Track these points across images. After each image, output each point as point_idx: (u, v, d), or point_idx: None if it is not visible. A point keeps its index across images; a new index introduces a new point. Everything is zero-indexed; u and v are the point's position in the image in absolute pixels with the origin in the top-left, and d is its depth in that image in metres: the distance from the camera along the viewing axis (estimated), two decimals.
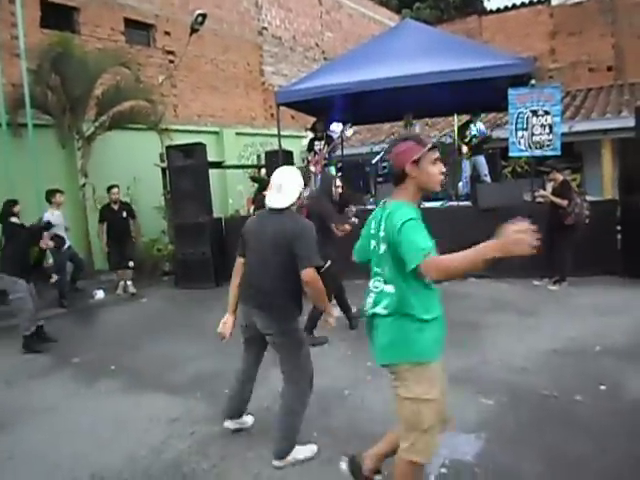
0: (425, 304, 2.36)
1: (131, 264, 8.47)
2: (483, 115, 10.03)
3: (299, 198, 3.30)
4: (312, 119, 10.61)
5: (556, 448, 3.21)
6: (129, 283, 8.45)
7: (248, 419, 3.73)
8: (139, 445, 3.57)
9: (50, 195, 7.69)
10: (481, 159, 9.35)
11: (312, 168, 9.71)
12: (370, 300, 2.49)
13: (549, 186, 7.47)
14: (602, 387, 3.98)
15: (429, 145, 2.39)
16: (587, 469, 3.00)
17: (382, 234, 2.35)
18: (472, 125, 9.50)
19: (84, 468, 3.34)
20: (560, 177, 7.15)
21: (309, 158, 9.74)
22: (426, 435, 2.44)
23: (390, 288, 2.37)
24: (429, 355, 2.43)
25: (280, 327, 3.25)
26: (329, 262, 5.02)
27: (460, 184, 9.62)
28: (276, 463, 3.23)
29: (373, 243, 2.47)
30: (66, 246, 7.69)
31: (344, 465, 3.00)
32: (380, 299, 2.42)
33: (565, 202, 6.88)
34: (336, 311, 4.69)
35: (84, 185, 9.37)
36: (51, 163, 9.07)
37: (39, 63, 8.58)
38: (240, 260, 3.40)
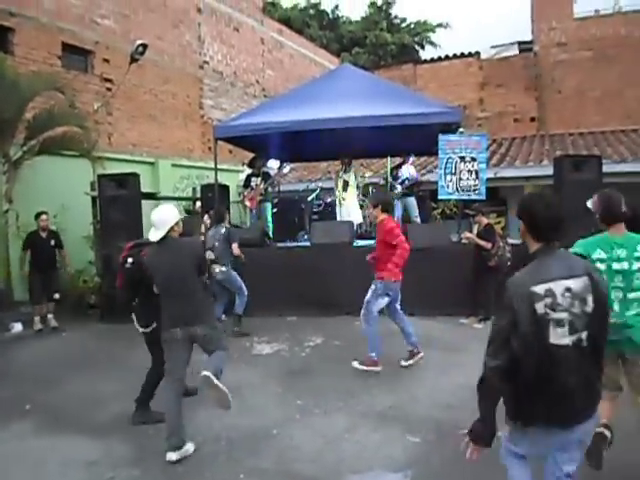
0: None
1: (57, 296, 8.06)
2: (414, 158, 10.43)
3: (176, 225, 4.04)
4: (250, 154, 10.68)
5: None
6: (50, 316, 8.01)
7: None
8: None
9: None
10: (412, 200, 9.68)
11: (247, 203, 9.75)
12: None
13: (475, 228, 7.82)
14: None
15: None
16: None
17: None
18: (404, 167, 9.82)
19: None
20: (484, 220, 7.51)
21: (245, 193, 9.76)
22: None
23: None
24: None
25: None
26: None
27: None
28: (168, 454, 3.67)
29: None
30: None
31: None
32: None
33: (489, 245, 7.22)
34: None
35: (7, 211, 8.90)
36: None
37: None
38: None
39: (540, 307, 2.16)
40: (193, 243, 4.42)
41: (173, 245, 3.99)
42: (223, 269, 7.07)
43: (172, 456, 3.66)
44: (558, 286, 2.18)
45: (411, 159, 9.98)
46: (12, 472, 3.65)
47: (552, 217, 2.34)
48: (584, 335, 2.17)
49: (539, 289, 2.18)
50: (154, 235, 3.95)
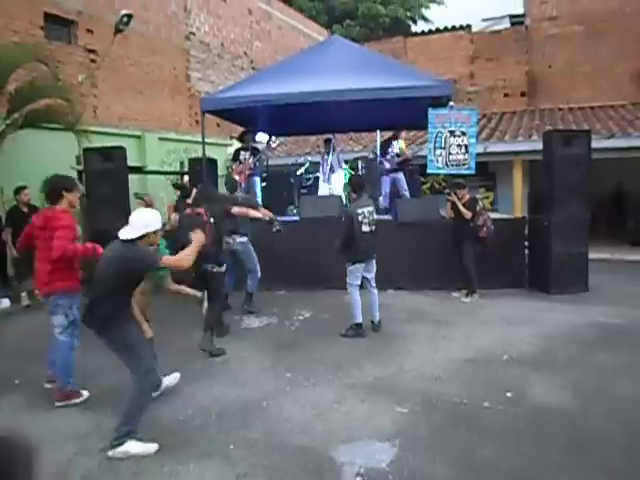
0: None
1: None
2: (404, 134, 10.37)
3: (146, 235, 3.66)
4: (238, 128, 10.56)
5: (466, 452, 3.36)
6: (37, 291, 7.95)
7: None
8: (45, 464, 3.36)
9: None
10: (400, 175, 9.68)
11: (236, 177, 9.66)
12: None
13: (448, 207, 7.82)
14: (508, 394, 4.21)
15: None
16: (495, 471, 3.17)
17: None
18: (395, 142, 9.80)
19: None
20: (467, 195, 7.50)
21: (234, 167, 9.67)
22: None
23: None
24: None
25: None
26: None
27: (380, 198, 9.91)
28: (109, 453, 3.47)
29: None
30: None
31: None
32: None
33: (469, 214, 7.25)
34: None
35: None
36: None
37: None
38: None
39: (359, 217, 5.73)
40: (142, 256, 3.65)
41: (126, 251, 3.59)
42: (243, 239, 6.80)
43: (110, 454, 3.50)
44: (364, 210, 5.79)
45: (402, 134, 9.93)
46: None
47: (359, 183, 6.17)
48: (372, 228, 5.81)
49: (359, 210, 5.76)
50: (126, 233, 3.61)
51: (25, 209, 7.94)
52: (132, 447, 3.46)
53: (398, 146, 9.76)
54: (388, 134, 10.33)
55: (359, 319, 5.85)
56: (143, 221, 3.66)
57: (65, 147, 9.52)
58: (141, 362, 3.70)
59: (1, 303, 7.80)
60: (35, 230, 4.43)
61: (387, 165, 9.66)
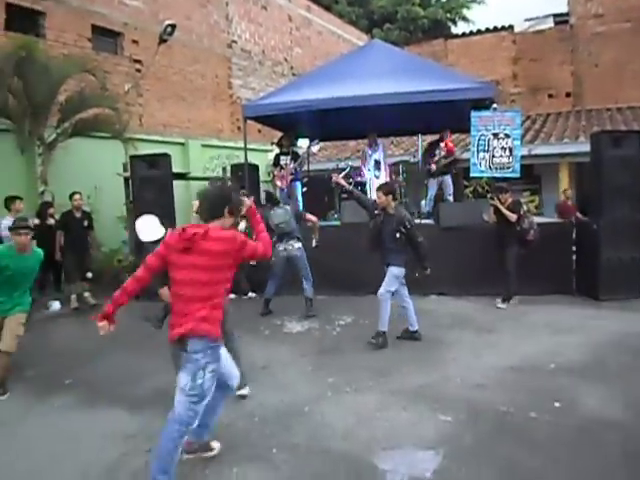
0: None
1: (89, 275, 8.24)
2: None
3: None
4: (279, 133, 10.65)
5: (512, 463, 3.28)
6: (87, 294, 8.20)
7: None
8: (94, 462, 3.47)
9: (9, 202, 7.47)
10: (448, 179, 9.47)
11: (278, 183, 9.74)
12: None
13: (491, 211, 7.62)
14: (556, 404, 4.08)
15: None
16: None
17: None
18: (442, 144, 9.49)
19: None
20: (509, 199, 7.33)
21: (275, 172, 9.76)
22: None
23: None
24: None
25: None
26: None
27: (423, 202, 9.80)
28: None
29: None
30: None
31: None
32: None
33: (514, 217, 7.07)
34: None
35: (43, 192, 9.11)
36: (9, 169, 8.83)
37: (1, 66, 8.35)
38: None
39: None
40: None
41: None
42: (300, 245, 6.98)
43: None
44: None
45: (448, 136, 9.62)
46: (55, 442, 3.78)
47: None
48: None
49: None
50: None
51: (78, 214, 8.22)
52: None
53: (445, 149, 9.41)
54: (430, 138, 10.20)
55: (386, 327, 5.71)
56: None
57: (112, 155, 9.83)
58: None
59: (52, 306, 8.08)
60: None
61: (433, 167, 9.45)
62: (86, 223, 8.30)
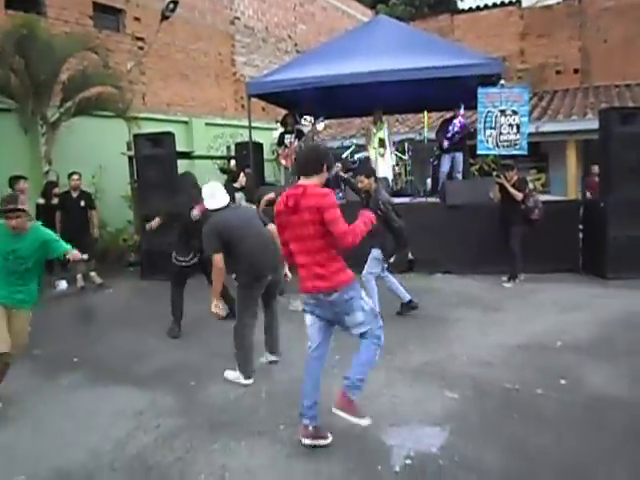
0: None
1: (85, 257, 8.14)
2: (452, 113, 10.01)
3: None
4: (283, 111, 10.56)
5: (518, 440, 3.29)
6: (93, 274, 8.22)
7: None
8: (103, 439, 3.51)
9: (13, 182, 7.44)
10: (460, 156, 9.23)
11: (282, 162, 9.68)
12: None
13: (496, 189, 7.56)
14: (562, 381, 4.09)
15: None
16: (547, 459, 3.09)
17: None
18: (454, 120, 9.15)
19: (47, 463, 3.27)
20: (515, 177, 7.26)
21: (279, 151, 9.69)
22: None
23: None
24: None
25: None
26: None
27: (429, 180, 9.73)
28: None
29: None
30: None
31: None
32: None
33: (520, 195, 7.02)
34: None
35: (47, 172, 9.09)
36: (13, 149, 8.80)
37: (2, 45, 8.27)
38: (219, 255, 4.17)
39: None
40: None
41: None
42: None
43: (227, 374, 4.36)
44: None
45: (462, 111, 9.18)
46: (64, 420, 3.83)
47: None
48: None
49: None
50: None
51: (75, 194, 8.17)
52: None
53: (458, 124, 9.14)
54: (436, 115, 10.07)
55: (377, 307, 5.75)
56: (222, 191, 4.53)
57: (116, 133, 9.77)
58: None
59: (59, 285, 8.12)
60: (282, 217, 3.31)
61: (446, 143, 9.21)
62: (83, 203, 8.18)
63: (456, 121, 9.11)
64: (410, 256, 6.02)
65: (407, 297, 5.97)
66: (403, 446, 3.26)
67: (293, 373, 4.42)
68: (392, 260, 5.84)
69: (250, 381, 4.30)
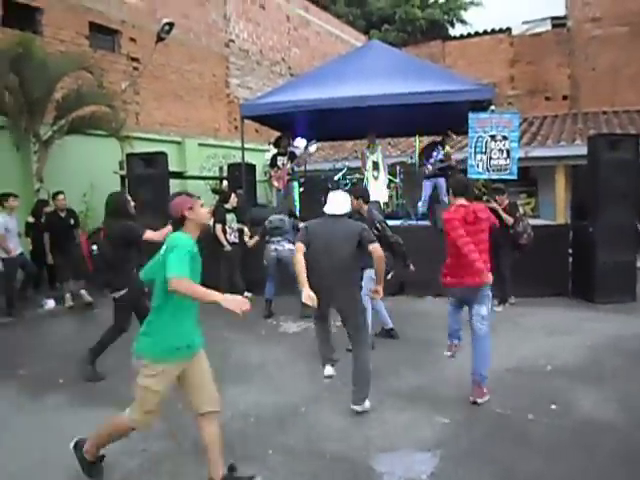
0: None
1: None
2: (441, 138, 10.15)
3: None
4: (276, 133, 10.64)
5: (509, 465, 3.27)
6: (83, 292, 8.12)
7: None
8: None
9: (2, 199, 7.40)
10: (442, 181, 9.44)
11: (275, 183, 9.71)
12: None
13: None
14: (553, 406, 4.08)
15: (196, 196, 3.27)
16: None
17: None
18: (439, 147, 9.40)
19: None
20: (506, 201, 7.32)
21: (272, 173, 9.73)
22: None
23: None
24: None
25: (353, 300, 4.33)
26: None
27: (420, 203, 9.79)
28: (354, 407, 4.10)
29: None
30: (18, 252, 7.43)
31: None
32: None
33: (511, 220, 7.07)
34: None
35: (39, 190, 9.06)
36: (4, 165, 8.78)
37: None
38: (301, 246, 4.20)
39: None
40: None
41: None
42: (292, 247, 6.95)
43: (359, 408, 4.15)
44: None
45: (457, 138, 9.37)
46: (48, 442, 3.75)
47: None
48: None
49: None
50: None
51: (62, 214, 8.07)
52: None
53: (444, 151, 9.37)
54: (427, 139, 10.18)
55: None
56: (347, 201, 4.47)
57: (109, 153, 9.79)
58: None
59: (47, 304, 8.03)
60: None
61: (429, 168, 9.38)
62: (72, 222, 8.14)
63: (439, 147, 9.25)
64: (412, 268, 5.98)
65: (390, 324, 5.99)
66: (393, 473, 3.22)
67: (282, 398, 4.38)
68: (390, 277, 5.81)
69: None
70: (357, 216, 5.79)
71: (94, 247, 5.09)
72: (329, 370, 4.47)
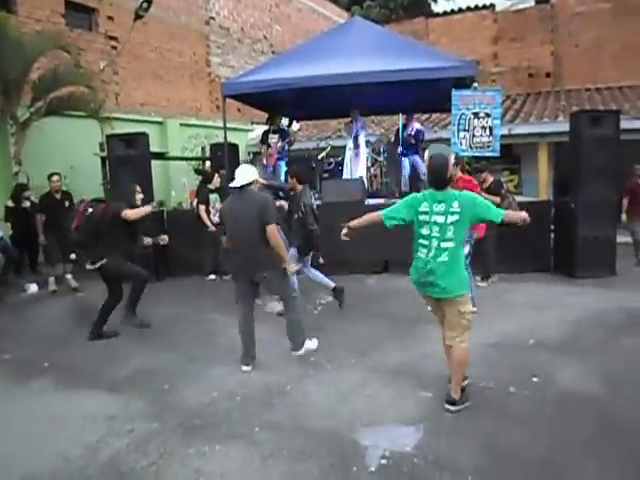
0: None
1: (73, 256, 8.02)
2: (427, 115, 10.21)
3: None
4: (259, 112, 10.54)
5: (491, 438, 3.33)
6: (69, 276, 8.02)
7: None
8: (74, 444, 3.44)
9: None
10: (417, 158, 9.48)
11: (265, 161, 9.66)
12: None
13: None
14: (535, 379, 4.15)
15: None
16: (520, 457, 3.13)
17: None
18: (409, 126, 9.63)
19: (16, 469, 3.19)
20: (490, 178, 7.35)
21: (262, 150, 9.67)
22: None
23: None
24: None
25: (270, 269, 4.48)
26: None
27: (402, 183, 9.81)
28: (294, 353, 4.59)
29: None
30: None
31: None
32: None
33: (497, 199, 7.10)
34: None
35: (17, 173, 8.90)
36: None
37: None
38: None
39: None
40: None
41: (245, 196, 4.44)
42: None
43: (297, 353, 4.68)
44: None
45: (415, 116, 9.76)
46: (34, 426, 3.74)
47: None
48: None
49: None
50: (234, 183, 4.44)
51: (58, 195, 7.98)
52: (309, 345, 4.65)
53: (411, 128, 9.57)
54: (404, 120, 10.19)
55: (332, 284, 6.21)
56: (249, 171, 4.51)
57: (88, 134, 9.63)
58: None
59: (29, 288, 7.95)
60: None
61: (400, 148, 9.51)
62: (67, 204, 8.06)
63: (413, 125, 9.38)
64: (321, 260, 6.39)
65: (332, 284, 6.18)
66: (378, 446, 3.27)
67: (268, 377, 4.41)
68: (308, 258, 6.10)
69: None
70: (291, 193, 6.06)
71: (90, 209, 5.48)
72: (246, 368, 4.57)
